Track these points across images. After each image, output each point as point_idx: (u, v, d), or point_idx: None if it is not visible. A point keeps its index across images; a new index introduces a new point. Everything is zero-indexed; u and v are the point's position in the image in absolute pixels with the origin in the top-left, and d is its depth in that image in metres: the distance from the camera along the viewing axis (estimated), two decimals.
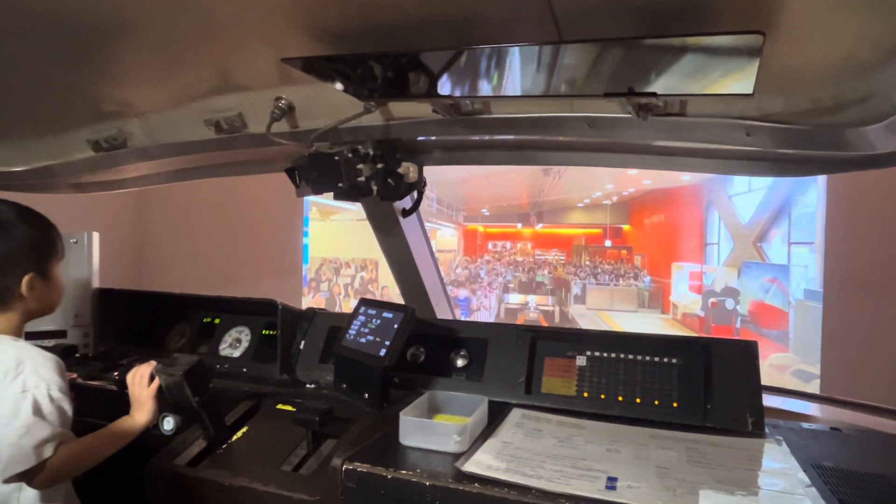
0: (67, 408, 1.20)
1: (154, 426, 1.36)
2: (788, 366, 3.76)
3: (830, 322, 3.46)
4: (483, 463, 1.14)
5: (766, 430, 1.30)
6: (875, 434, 1.40)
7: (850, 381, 3.31)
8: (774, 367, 3.80)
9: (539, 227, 4.89)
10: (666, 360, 1.43)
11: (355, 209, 4.66)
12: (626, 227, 4.69)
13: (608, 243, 4.72)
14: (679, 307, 4.36)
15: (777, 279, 3.89)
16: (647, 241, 4.61)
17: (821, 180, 3.54)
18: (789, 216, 3.87)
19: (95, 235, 1.96)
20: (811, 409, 1.66)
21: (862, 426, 1.43)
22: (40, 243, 1.27)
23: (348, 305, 4.86)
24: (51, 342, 1.82)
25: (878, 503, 1.03)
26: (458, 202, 5.04)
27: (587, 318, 4.65)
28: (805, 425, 1.39)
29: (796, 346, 3.76)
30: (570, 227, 4.85)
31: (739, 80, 0.95)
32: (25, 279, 1.22)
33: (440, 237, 5.01)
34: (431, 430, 1.22)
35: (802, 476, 1.09)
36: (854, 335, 3.33)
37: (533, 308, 4.81)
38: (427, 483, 1.09)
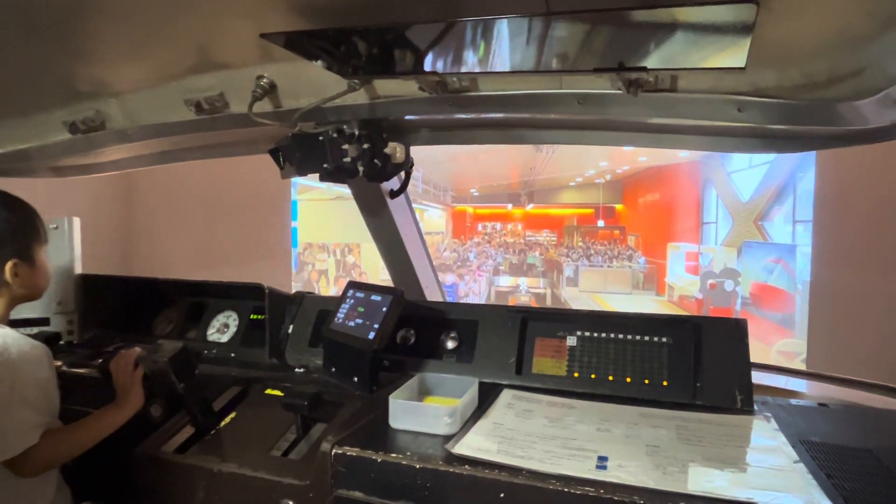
0: (54, 396, 1.19)
1: (141, 413, 1.34)
2: (798, 353, 3.61)
3: (817, 297, 3.49)
4: (474, 445, 1.13)
5: (755, 407, 1.30)
6: (861, 409, 1.41)
7: (836, 356, 3.36)
8: (783, 353, 3.66)
9: (530, 208, 4.84)
10: (656, 339, 1.43)
11: (324, 187, 4.55)
12: (618, 206, 4.62)
13: (601, 223, 4.67)
14: (675, 289, 4.26)
15: (783, 259, 3.75)
16: (641, 220, 4.52)
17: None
18: (794, 193, 3.69)
19: (76, 220, 1.92)
20: (799, 385, 1.68)
21: (849, 401, 1.45)
22: (22, 228, 1.25)
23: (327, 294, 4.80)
24: (33, 330, 1.79)
25: (865, 477, 1.04)
26: (445, 182, 4.94)
27: (580, 300, 4.58)
28: (793, 401, 1.40)
29: (803, 330, 3.59)
30: (561, 207, 4.80)
31: (732, 54, 0.92)
32: (9, 265, 1.20)
33: (427, 219, 4.93)
34: (422, 413, 1.22)
35: (791, 451, 1.10)
36: (840, 310, 3.37)
37: (524, 291, 4.77)
38: (418, 466, 1.08)
